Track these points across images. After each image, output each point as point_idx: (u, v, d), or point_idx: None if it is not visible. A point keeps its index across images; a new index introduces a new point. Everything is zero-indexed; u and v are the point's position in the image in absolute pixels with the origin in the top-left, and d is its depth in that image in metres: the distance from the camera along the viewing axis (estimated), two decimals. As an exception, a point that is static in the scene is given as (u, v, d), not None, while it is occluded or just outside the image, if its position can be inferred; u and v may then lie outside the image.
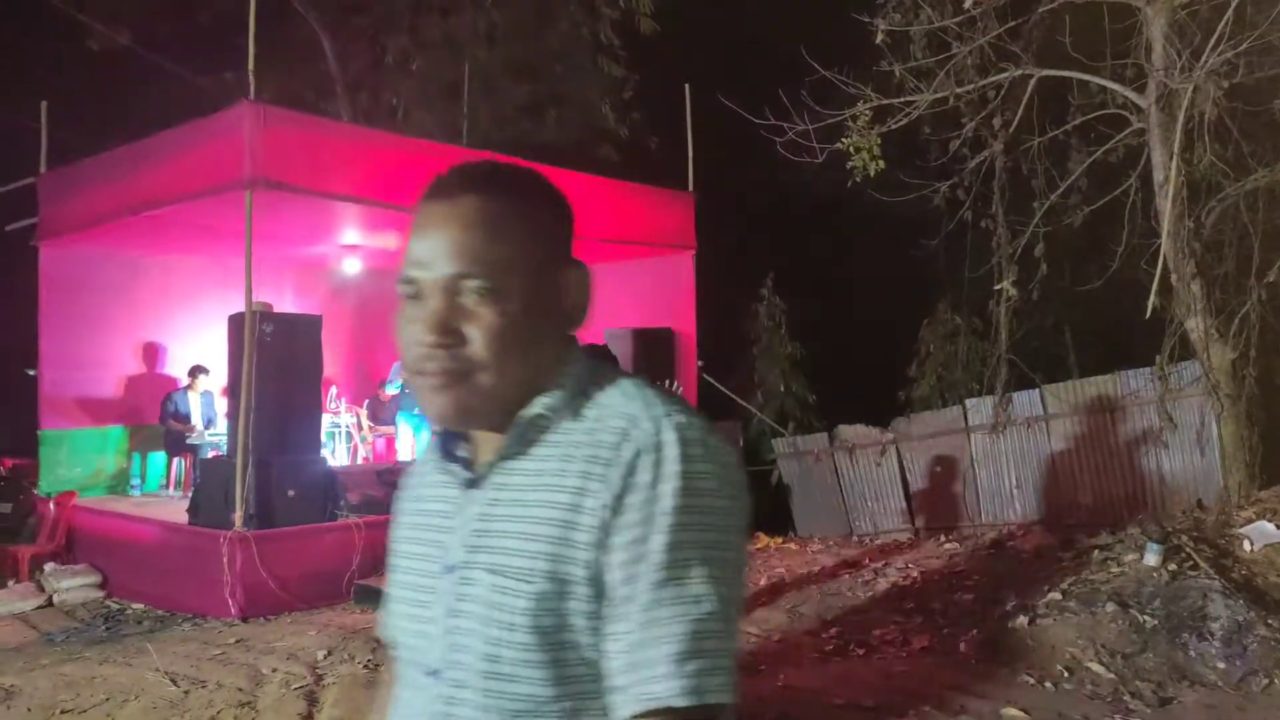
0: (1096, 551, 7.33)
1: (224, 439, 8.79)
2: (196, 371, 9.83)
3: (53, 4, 12.66)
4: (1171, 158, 7.26)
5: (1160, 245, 7.34)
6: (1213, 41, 6.91)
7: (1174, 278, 7.71)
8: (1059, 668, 5.39)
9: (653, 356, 10.65)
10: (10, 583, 8.38)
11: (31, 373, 9.74)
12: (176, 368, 10.25)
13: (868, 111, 8.47)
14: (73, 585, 8.14)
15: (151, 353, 10.39)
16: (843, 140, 8.61)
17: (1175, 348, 7.95)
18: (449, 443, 1.15)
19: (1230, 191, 7.64)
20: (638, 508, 0.99)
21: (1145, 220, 8.16)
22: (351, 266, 10.30)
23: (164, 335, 10.45)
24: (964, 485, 10.06)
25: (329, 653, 5.77)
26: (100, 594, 8.18)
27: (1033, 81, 8.30)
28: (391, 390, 10.55)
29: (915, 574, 7.76)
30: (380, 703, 1.27)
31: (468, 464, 1.13)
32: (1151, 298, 6.93)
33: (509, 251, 1.05)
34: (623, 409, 1.04)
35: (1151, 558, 6.51)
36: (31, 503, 9.83)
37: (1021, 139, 9.13)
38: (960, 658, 5.61)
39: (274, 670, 5.46)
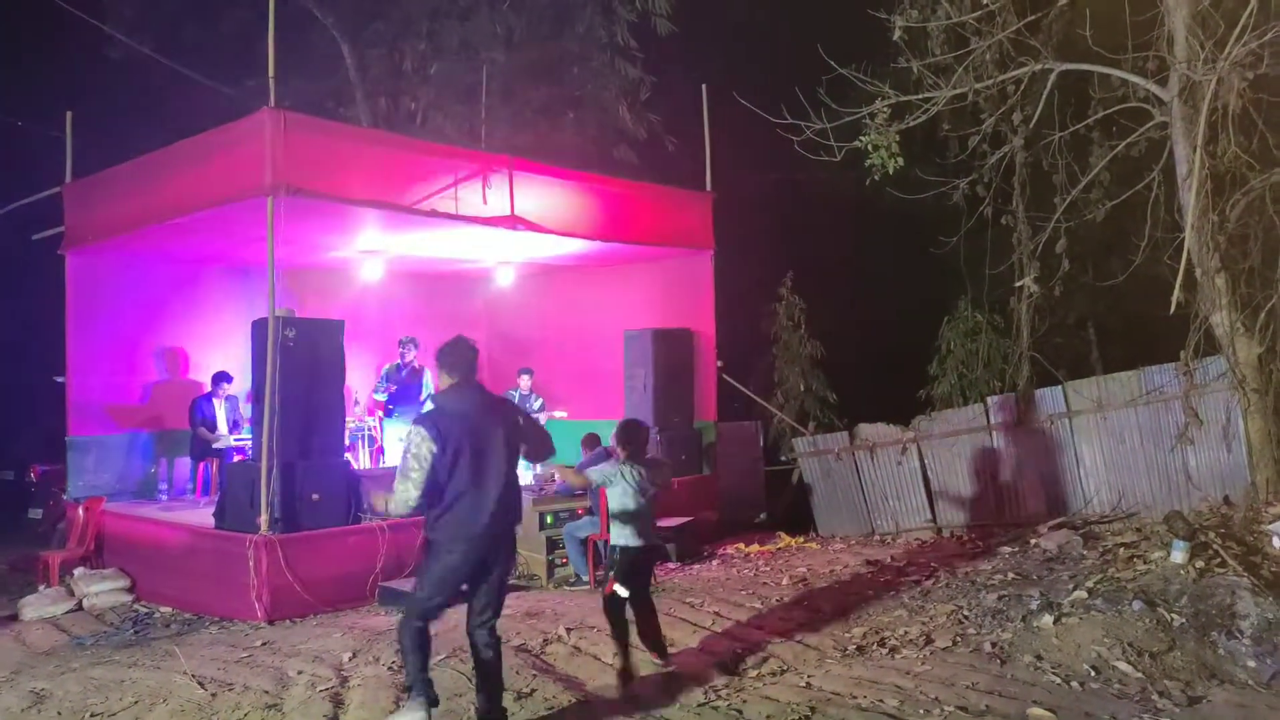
0: (1122, 549, 7.27)
1: (250, 443, 8.86)
2: (220, 379, 9.92)
3: (76, 14, 12.80)
4: (1195, 151, 7.19)
5: (1184, 240, 7.26)
6: (1236, 32, 6.83)
7: (1198, 272, 7.62)
8: (1085, 666, 5.35)
9: (672, 357, 10.61)
10: (41, 587, 8.50)
11: (60, 380, 9.87)
12: (201, 373, 10.35)
13: (886, 109, 8.42)
14: (102, 589, 8.25)
15: (176, 359, 10.49)
16: (861, 138, 8.57)
17: (1200, 343, 7.86)
18: None
19: (1255, 184, 7.53)
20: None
21: (1168, 214, 8.06)
22: (373, 271, 10.36)
23: (188, 341, 10.55)
24: (986, 483, 10.00)
25: (354, 655, 5.82)
26: (129, 598, 8.29)
27: (1053, 76, 8.23)
28: (380, 396, 10.67)
29: (938, 573, 7.72)
30: None
31: None
32: (1176, 292, 6.85)
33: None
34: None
35: (1178, 555, 6.45)
36: (61, 508, 9.97)
37: (1042, 134, 9.06)
38: (984, 656, 5.58)
39: (300, 672, 5.51)
